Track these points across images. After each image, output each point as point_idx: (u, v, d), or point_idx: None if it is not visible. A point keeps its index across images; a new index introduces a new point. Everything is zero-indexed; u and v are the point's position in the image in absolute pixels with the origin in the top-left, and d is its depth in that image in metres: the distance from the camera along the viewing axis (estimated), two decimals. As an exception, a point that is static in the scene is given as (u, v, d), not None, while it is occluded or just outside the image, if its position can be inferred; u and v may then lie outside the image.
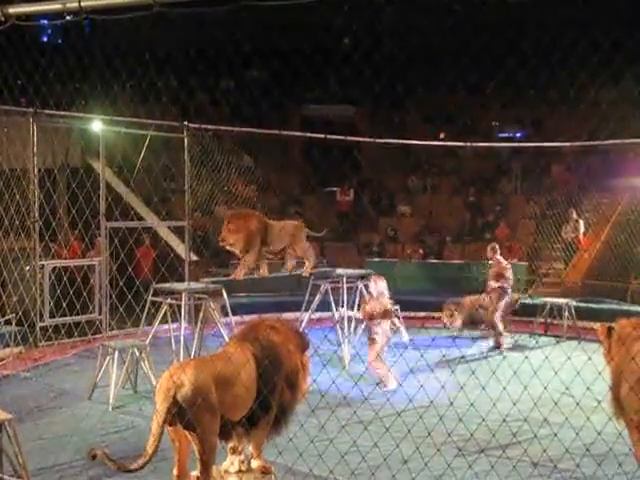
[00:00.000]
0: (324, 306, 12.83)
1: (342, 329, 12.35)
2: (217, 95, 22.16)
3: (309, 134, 14.99)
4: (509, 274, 13.82)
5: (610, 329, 6.97)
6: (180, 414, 5.45)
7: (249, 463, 6.25)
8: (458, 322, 14.19)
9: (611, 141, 13.84)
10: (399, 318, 13.51)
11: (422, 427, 7.25)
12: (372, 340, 10.61)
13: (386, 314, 10.63)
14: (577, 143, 15.27)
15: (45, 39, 21.47)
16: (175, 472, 5.78)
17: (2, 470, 6.91)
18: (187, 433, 5.57)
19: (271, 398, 5.89)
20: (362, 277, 13.33)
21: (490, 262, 14.02)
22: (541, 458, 7.25)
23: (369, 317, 10.67)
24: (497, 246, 14.11)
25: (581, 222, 18.15)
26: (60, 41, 20.35)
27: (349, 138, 14.52)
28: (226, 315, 11.44)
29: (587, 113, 15.88)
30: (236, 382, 5.69)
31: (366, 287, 12.99)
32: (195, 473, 5.74)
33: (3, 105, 11.35)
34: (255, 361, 5.86)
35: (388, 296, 10.94)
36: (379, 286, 10.92)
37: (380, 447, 7.07)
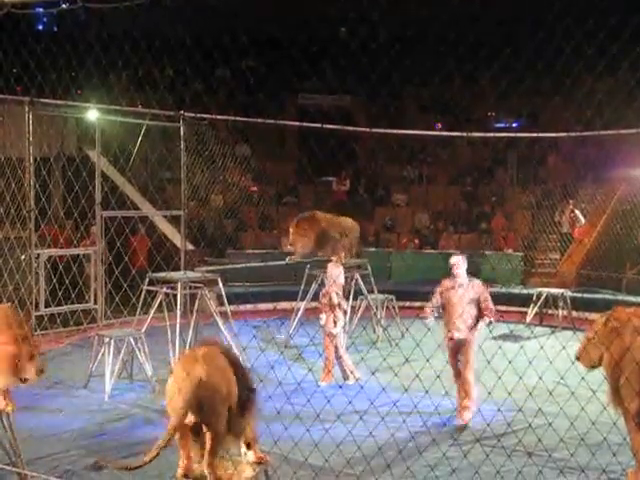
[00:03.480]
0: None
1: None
2: (213, 84, 22.12)
3: (305, 123, 14.97)
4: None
5: (608, 319, 6.94)
6: (199, 409, 5.49)
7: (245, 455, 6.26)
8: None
9: (607, 131, 13.82)
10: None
11: (417, 416, 7.27)
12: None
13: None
14: (573, 133, 15.26)
15: (41, 27, 21.42)
16: (182, 464, 5.77)
17: None
18: (202, 426, 5.59)
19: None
20: (358, 267, 13.35)
21: None
22: (536, 448, 7.27)
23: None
24: None
25: (577, 212, 18.14)
26: (55, 29, 20.30)
27: (346, 128, 14.51)
28: (222, 304, 11.43)
29: (583, 103, 15.87)
30: (227, 378, 5.74)
31: (361, 277, 13.06)
32: (199, 465, 5.74)
33: (-2, 93, 11.33)
34: (231, 367, 5.85)
35: (338, 285, 10.71)
36: (327, 274, 10.85)
37: (375, 436, 7.09)
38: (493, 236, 20.20)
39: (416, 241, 20.60)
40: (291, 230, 12.67)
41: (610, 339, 6.77)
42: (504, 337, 13.07)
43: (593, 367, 7.00)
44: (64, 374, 10.75)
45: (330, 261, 11.79)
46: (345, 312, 10.89)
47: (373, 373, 10.38)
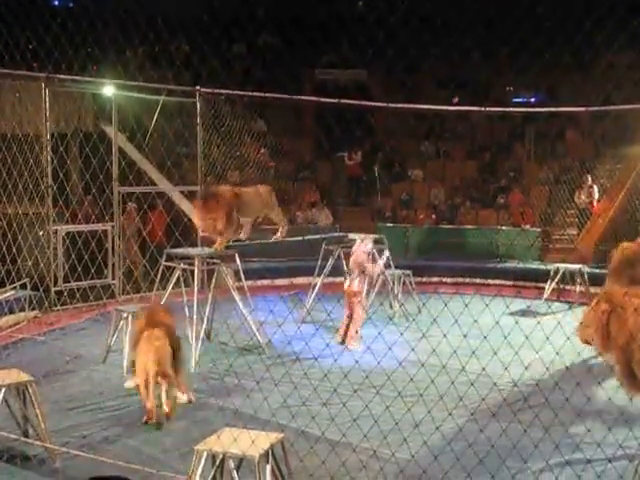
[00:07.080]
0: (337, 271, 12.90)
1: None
2: (230, 60, 22.05)
3: (322, 99, 14.91)
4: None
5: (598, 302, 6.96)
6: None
7: None
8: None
9: (627, 106, 13.69)
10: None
11: (434, 391, 7.30)
12: None
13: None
14: (592, 108, 15.12)
15: (56, 3, 21.37)
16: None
17: (27, 434, 7.06)
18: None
19: (179, 357, 8.23)
20: (375, 242, 13.33)
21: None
22: (552, 423, 7.28)
23: None
24: None
25: (595, 188, 18.05)
26: (71, 5, 20.25)
27: (363, 103, 14.41)
28: (239, 280, 11.46)
29: (602, 77, 15.73)
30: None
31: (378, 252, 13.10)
32: None
33: (15, 70, 11.33)
34: (168, 337, 8.08)
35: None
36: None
37: (392, 411, 7.12)
38: (510, 211, 20.12)
39: (433, 216, 20.55)
40: (196, 212, 10.85)
41: (601, 322, 6.79)
42: (521, 313, 13.08)
43: (588, 343, 7.05)
44: (83, 349, 10.85)
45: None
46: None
47: (390, 348, 10.41)
